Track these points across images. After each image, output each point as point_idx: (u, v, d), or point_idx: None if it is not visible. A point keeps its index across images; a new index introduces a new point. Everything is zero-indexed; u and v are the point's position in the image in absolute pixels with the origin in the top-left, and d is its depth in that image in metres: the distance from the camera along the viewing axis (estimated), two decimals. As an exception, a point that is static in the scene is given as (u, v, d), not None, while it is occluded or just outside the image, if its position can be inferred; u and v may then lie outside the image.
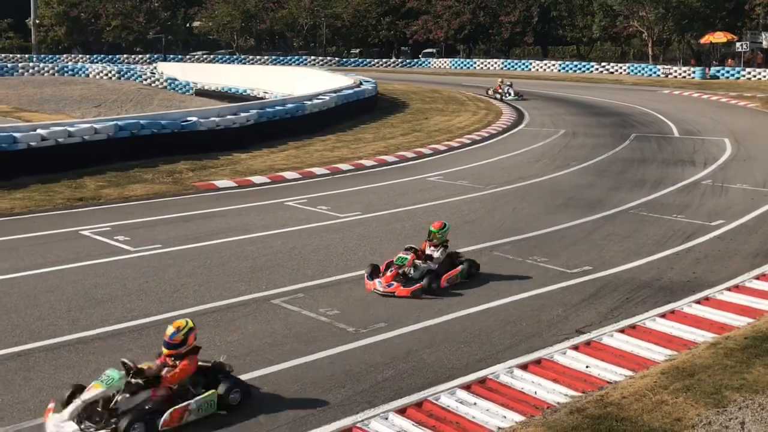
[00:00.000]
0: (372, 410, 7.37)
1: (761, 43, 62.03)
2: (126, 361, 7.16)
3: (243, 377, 7.97)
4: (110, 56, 73.74)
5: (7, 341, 8.87)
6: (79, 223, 14.47)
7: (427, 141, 25.99)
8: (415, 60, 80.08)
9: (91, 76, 54.25)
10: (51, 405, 7.00)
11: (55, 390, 7.63)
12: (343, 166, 21.09)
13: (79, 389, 7.02)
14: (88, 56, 73.89)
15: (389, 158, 22.58)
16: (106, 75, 53.84)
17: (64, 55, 75.48)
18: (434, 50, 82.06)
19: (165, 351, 7.31)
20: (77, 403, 6.78)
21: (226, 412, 7.27)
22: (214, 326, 9.48)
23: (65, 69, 56.58)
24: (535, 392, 7.82)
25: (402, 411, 7.37)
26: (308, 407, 7.44)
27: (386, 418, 7.24)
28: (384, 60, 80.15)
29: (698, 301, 10.44)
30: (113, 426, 6.67)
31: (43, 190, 17.01)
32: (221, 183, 18.52)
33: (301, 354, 8.67)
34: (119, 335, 9.15)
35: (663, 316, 9.90)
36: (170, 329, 7.32)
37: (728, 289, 10.97)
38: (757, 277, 11.47)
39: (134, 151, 20.36)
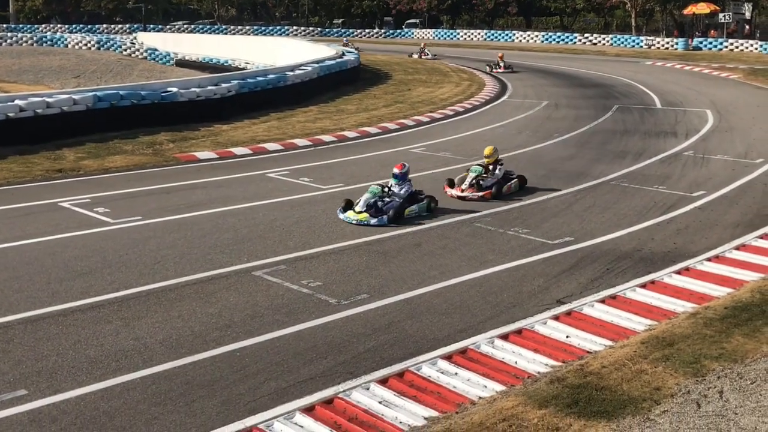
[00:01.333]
0: (354, 381, 7.38)
1: (744, 14, 62.05)
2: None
3: (224, 349, 7.99)
4: (89, 26, 72.90)
5: (-14, 314, 8.81)
6: (58, 194, 14.36)
7: (409, 112, 25.91)
8: (399, 30, 79.65)
9: (70, 46, 53.61)
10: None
11: (35, 362, 7.62)
12: (326, 138, 21.01)
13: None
14: (66, 26, 73.03)
15: (372, 129, 22.51)
16: (86, 45, 53.20)
17: (43, 25, 74.56)
18: (417, 21, 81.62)
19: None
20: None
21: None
22: (195, 298, 9.45)
23: (44, 39, 55.89)
24: (516, 362, 7.86)
25: (383, 381, 7.39)
26: (290, 378, 7.44)
27: (368, 389, 7.26)
28: (367, 30, 79.67)
29: (678, 272, 10.50)
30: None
31: (21, 161, 16.85)
32: (202, 154, 18.41)
33: (282, 325, 8.66)
34: (100, 307, 9.10)
35: (643, 286, 9.95)
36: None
37: (708, 259, 11.03)
38: (737, 248, 11.54)
39: (114, 122, 20.18)
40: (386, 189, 13.17)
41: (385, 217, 12.65)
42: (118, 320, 8.74)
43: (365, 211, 12.69)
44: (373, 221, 12.56)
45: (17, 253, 11.07)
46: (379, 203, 12.85)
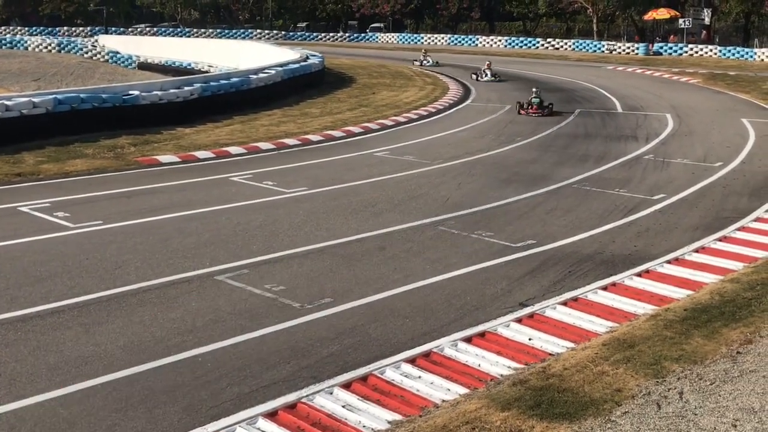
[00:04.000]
0: (317, 385, 7.36)
1: (703, 19, 62.95)
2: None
3: (186, 355, 7.93)
4: (50, 28, 71.98)
5: (-58, 320, 8.65)
6: (17, 199, 14.15)
7: (374, 116, 25.93)
8: (363, 34, 79.69)
9: (30, 48, 52.92)
10: None
11: (-7, 369, 7.50)
12: (290, 141, 20.94)
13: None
14: (26, 28, 71.99)
15: (336, 133, 22.48)
16: (46, 48, 52.56)
17: (2, 28, 73.43)
18: (381, 25, 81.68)
19: None
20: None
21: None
22: (157, 303, 9.36)
23: (3, 42, 55.12)
24: (479, 365, 7.89)
25: (347, 385, 7.38)
26: (253, 383, 7.40)
27: (331, 393, 7.24)
28: (331, 34, 79.59)
29: (639, 274, 10.62)
30: None
31: (-21, 165, 16.59)
32: (164, 158, 18.25)
33: (245, 330, 8.61)
34: (60, 313, 8.99)
35: (604, 288, 10.05)
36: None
37: (668, 262, 11.17)
38: (697, 250, 11.70)
39: (74, 126, 19.91)
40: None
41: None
42: (79, 326, 8.63)
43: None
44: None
45: (-25, 258, 10.90)
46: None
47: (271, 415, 6.81)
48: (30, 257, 10.96)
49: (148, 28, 77.66)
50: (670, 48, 59.58)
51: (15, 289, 9.70)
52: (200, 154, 18.85)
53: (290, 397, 7.13)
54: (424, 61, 46.80)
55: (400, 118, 25.67)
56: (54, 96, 20.17)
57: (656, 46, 60.40)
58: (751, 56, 53.91)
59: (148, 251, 11.32)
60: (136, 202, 14.25)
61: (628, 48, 61.50)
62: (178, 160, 18.23)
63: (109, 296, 9.53)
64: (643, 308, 9.37)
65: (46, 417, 6.74)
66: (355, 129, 23.26)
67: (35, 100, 19.54)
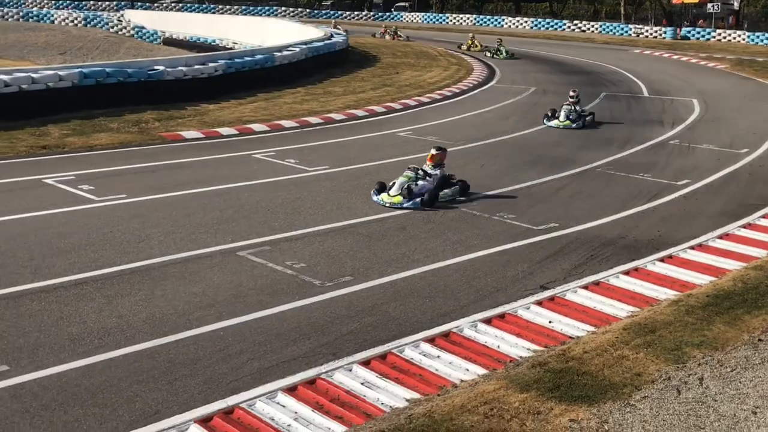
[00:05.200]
0: (336, 362, 7.40)
1: (732, 4, 62.14)
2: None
3: (207, 329, 7.98)
4: (76, 2, 72.14)
5: (-33, 289, 8.75)
6: (42, 171, 14.26)
7: (397, 96, 25.86)
8: (387, 13, 79.33)
9: (56, 22, 53.02)
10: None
11: (17, 338, 7.58)
12: (312, 120, 20.94)
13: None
14: (53, 2, 72.20)
15: (359, 112, 22.45)
16: (72, 21, 52.65)
17: (29, 0, 73.72)
18: (407, 4, 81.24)
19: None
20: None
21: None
22: (179, 277, 9.42)
23: (30, 15, 55.28)
24: (498, 346, 7.89)
25: (366, 363, 7.41)
26: (273, 358, 7.44)
27: (350, 370, 7.27)
28: (356, 12, 79.31)
29: (662, 259, 10.56)
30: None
31: (5, 137, 16.70)
32: (188, 134, 18.31)
33: (266, 306, 8.65)
34: (83, 284, 9.07)
35: (626, 273, 10.01)
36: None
37: (692, 247, 11.10)
38: (721, 237, 11.61)
39: (99, 100, 20.02)
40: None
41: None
42: (101, 298, 8.71)
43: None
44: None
45: (0, 228, 11.00)
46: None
47: (291, 390, 6.85)
48: (54, 229, 11.05)
49: (174, 4, 77.73)
50: (698, 32, 58.91)
51: (39, 260, 9.79)
52: (224, 130, 18.89)
53: (310, 373, 7.17)
54: (497, 54, 40.73)
55: (424, 99, 25.58)
56: (80, 70, 20.25)
57: (684, 30, 59.74)
58: (781, 42, 53.20)
59: (171, 226, 11.39)
60: (160, 176, 14.32)
61: (656, 32, 60.87)
62: (202, 136, 18.28)
63: (132, 269, 9.60)
64: (665, 293, 9.32)
65: (68, 387, 6.81)
66: (378, 108, 23.21)
67: (61, 73, 19.64)
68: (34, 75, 19.01)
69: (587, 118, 20.95)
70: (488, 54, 40.62)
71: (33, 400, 6.55)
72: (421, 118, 21.97)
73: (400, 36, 50.44)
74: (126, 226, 11.31)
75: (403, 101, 24.73)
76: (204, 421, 6.33)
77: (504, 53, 39.89)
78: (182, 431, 6.18)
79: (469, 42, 44.89)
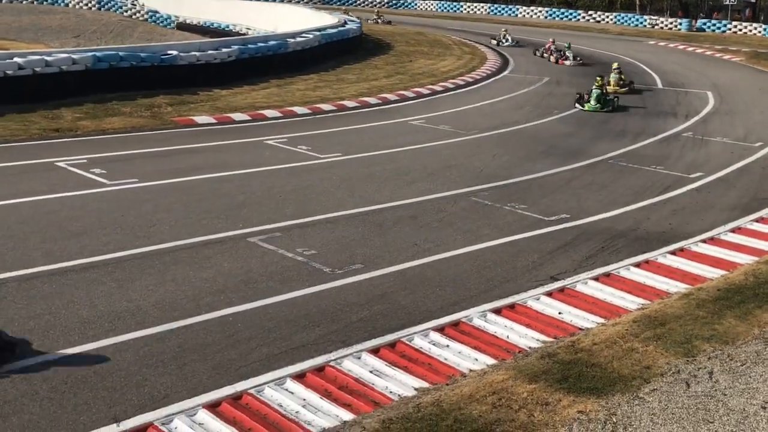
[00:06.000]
0: (345, 349, 7.41)
1: (749, -4, 61.67)
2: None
3: (217, 314, 7.99)
4: (90, -14, 72.04)
5: (-20, 271, 8.79)
6: (55, 154, 14.30)
7: (410, 84, 25.80)
8: (402, 1, 79.04)
9: (70, 5, 53.15)
10: None
11: (28, 320, 7.62)
12: (325, 106, 20.92)
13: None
14: (67, -15, 72.19)
15: (372, 100, 22.41)
16: (86, 5, 52.78)
17: (43, -17, 73.73)
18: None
19: None
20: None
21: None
22: (190, 262, 9.44)
23: (44, -3, 55.38)
24: (508, 336, 7.88)
25: (375, 351, 7.41)
26: (282, 345, 7.46)
27: (359, 358, 7.28)
28: (370, 0, 79.06)
29: (673, 252, 10.52)
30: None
31: (18, 119, 16.75)
32: (200, 119, 18.32)
33: (276, 292, 8.67)
34: (94, 268, 9.10)
35: (637, 265, 9.97)
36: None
37: (703, 241, 11.05)
38: (733, 230, 11.56)
39: (112, 84, 20.06)
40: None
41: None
42: (112, 282, 8.74)
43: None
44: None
45: (12, 211, 11.04)
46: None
47: (300, 377, 6.87)
48: (66, 212, 11.09)
49: (187, -12, 77.47)
50: (714, 25, 58.52)
51: (51, 243, 9.82)
52: (236, 116, 18.89)
53: (318, 360, 7.18)
54: (503, 41, 40.81)
55: (437, 87, 25.51)
56: (93, 53, 20.28)
57: (699, 22, 59.34)
58: (797, 36, 52.80)
59: (182, 210, 11.41)
60: (172, 161, 14.35)
61: (671, 23, 60.49)
62: (214, 121, 18.29)
63: (143, 253, 9.62)
64: (675, 286, 9.29)
65: (77, 370, 6.84)
66: (391, 96, 23.17)
67: (75, 56, 19.66)
68: (47, 58, 19.05)
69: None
70: (493, 42, 41.04)
71: (43, 383, 6.58)
72: (434, 107, 21.93)
73: (387, 21, 53.05)
74: (137, 210, 11.33)
75: (416, 89, 24.67)
76: (212, 406, 6.35)
77: (509, 40, 40.19)
78: (191, 416, 6.20)
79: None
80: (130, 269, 9.12)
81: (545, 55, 35.03)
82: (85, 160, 13.88)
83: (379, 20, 53.27)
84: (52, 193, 11.89)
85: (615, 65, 26.13)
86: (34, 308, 7.95)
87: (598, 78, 22.60)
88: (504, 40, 40.45)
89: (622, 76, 25.22)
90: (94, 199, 11.77)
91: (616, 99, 22.62)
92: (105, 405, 6.30)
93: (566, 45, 34.90)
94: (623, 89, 24.59)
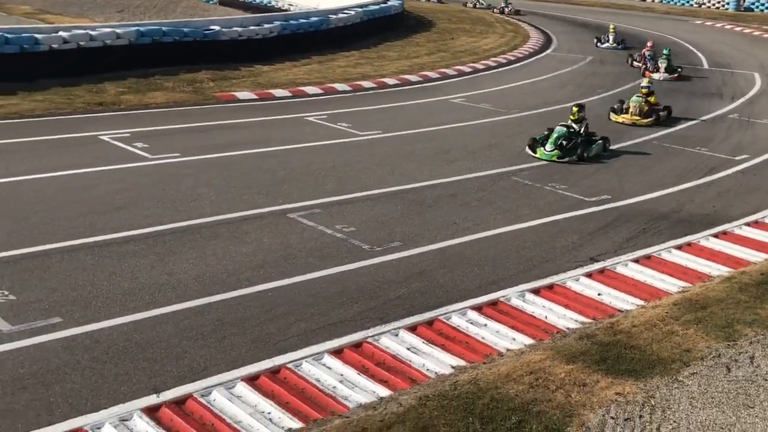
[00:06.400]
0: (383, 326, 7.43)
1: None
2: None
3: (256, 289, 8.06)
4: (135, -39, 72.55)
5: (24, 242, 8.94)
6: (98, 127, 14.45)
7: (452, 62, 25.61)
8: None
9: (114, -20, 53.48)
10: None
11: (71, 291, 7.75)
12: (366, 84, 20.86)
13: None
14: (112, -40, 72.75)
15: (413, 77, 22.30)
16: (130, -20, 53.07)
17: (89, -42, 74.37)
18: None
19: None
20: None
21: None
22: (230, 237, 9.51)
23: (89, -28, 55.82)
24: (546, 317, 7.85)
25: (413, 328, 7.43)
26: (320, 320, 7.50)
27: (397, 335, 7.30)
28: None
29: (716, 235, 10.38)
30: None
31: (63, 93, 16.94)
32: (242, 95, 18.39)
33: (315, 268, 8.70)
34: (135, 241, 9.21)
35: (679, 248, 9.86)
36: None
37: (747, 224, 10.89)
38: (778, 214, 11.37)
39: (155, 58, 20.15)
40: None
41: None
42: (153, 255, 8.84)
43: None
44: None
45: (56, 183, 11.20)
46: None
47: (337, 353, 6.91)
48: (109, 186, 11.22)
49: (230, -36, 77.65)
50: (763, 4, 57.22)
51: (94, 215, 9.95)
52: (277, 92, 18.93)
53: (356, 336, 7.22)
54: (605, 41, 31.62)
55: (479, 65, 25.32)
56: (137, 28, 20.41)
57: (748, 1, 58.09)
58: None
59: (223, 185, 11.48)
60: (213, 136, 14.43)
61: (719, 2, 59.28)
62: (255, 97, 18.34)
63: (184, 227, 9.72)
64: (717, 270, 9.17)
65: (119, 340, 6.95)
66: (432, 74, 23.04)
67: (118, 31, 19.80)
68: (92, 32, 19.22)
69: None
70: (495, 11, 43.46)
71: (84, 353, 6.70)
72: (475, 85, 21.77)
73: (515, 11, 43.90)
74: (178, 184, 11.43)
75: (457, 67, 24.49)
76: (251, 379, 6.41)
77: (610, 41, 34.27)
78: (229, 388, 6.27)
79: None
80: (171, 243, 9.21)
81: (636, 63, 25.96)
82: (127, 134, 14.01)
83: (506, 8, 44.05)
84: (95, 166, 12.03)
85: (645, 81, 18.58)
86: (77, 279, 8.07)
87: (575, 108, 14.64)
88: (606, 40, 31.66)
89: (650, 99, 17.64)
90: (136, 173, 11.89)
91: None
92: (145, 376, 6.39)
93: (666, 52, 25.29)
94: (647, 119, 17.18)
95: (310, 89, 19.53)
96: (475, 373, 6.57)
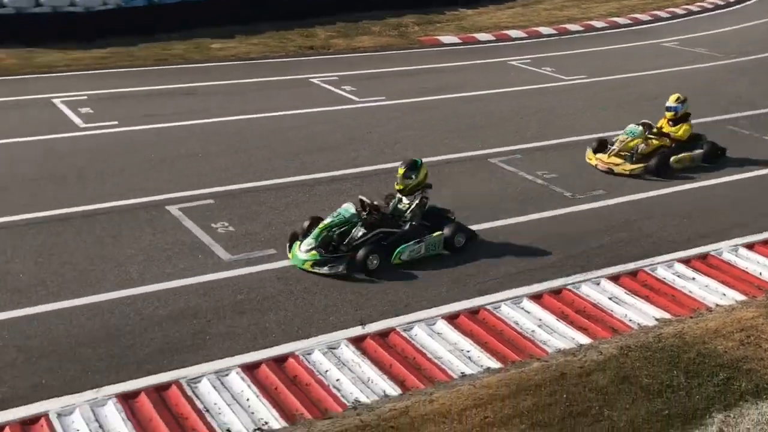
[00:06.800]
0: (584, 274, 7.34)
1: None
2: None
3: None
4: None
5: (237, 179, 9.41)
6: (309, 70, 14.95)
7: (664, 3, 24.34)
8: None
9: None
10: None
11: (284, 226, 8.12)
12: (572, 27, 20.29)
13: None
14: None
15: (621, 20, 21.44)
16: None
17: None
18: None
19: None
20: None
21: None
22: (430, 179, 9.60)
23: None
24: (760, 273, 7.46)
25: (615, 278, 7.29)
26: (520, 265, 7.50)
27: (598, 284, 7.19)
28: None
29: None
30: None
31: (277, 37, 17.60)
32: (446, 39, 18.40)
33: (515, 213, 8.69)
34: (342, 180, 9.53)
35: None
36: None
37: None
38: None
39: (363, 2, 20.46)
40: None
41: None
42: (360, 194, 9.09)
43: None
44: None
45: (268, 123, 11.74)
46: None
47: (536, 298, 6.91)
48: (318, 127, 11.64)
49: None
50: None
51: (304, 154, 10.37)
52: (480, 36, 18.80)
53: (555, 283, 7.18)
54: None
55: (693, 7, 23.93)
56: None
57: None
58: None
59: (425, 129, 11.62)
60: (417, 80, 14.58)
61: None
62: (459, 41, 18.31)
63: (387, 170, 9.88)
64: None
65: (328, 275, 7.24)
66: (643, 16, 22.05)
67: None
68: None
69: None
70: None
71: (297, 284, 7.06)
72: (689, 28, 20.64)
73: None
74: (383, 127, 11.68)
75: (671, 9, 23.28)
76: (451, 318, 6.55)
77: None
78: (430, 325, 6.43)
79: None
80: (376, 184, 9.42)
81: None
82: (336, 78, 14.42)
83: None
84: (306, 108, 12.49)
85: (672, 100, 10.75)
86: (289, 215, 8.47)
87: (401, 170, 8.00)
88: None
89: (671, 129, 10.56)
90: (344, 115, 12.26)
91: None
92: (352, 308, 6.68)
93: None
94: (637, 167, 9.90)
95: (514, 33, 19.25)
96: (680, 327, 6.38)
